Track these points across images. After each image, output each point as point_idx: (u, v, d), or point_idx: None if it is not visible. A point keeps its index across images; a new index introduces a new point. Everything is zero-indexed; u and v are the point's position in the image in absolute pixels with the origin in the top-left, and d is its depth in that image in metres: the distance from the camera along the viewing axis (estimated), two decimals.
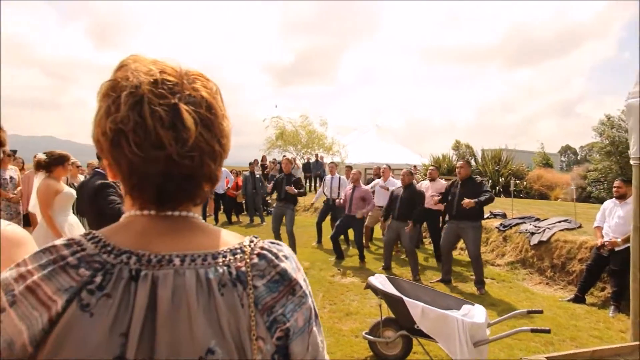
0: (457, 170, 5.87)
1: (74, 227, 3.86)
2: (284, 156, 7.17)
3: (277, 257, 0.63)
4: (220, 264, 0.59)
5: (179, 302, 0.53)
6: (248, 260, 0.61)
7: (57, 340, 0.50)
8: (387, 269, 6.41)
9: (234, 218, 11.60)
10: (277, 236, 7.08)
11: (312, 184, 16.64)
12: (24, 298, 0.52)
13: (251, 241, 0.65)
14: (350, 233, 7.80)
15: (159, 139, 0.54)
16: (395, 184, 7.38)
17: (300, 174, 17.38)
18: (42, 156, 3.76)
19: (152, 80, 0.56)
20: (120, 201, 3.30)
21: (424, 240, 8.73)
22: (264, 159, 16.06)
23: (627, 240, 4.47)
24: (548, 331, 2.82)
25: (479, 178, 5.85)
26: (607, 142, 17.45)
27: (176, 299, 0.53)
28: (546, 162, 20.87)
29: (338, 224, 7.05)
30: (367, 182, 9.16)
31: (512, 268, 6.64)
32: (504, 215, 8.32)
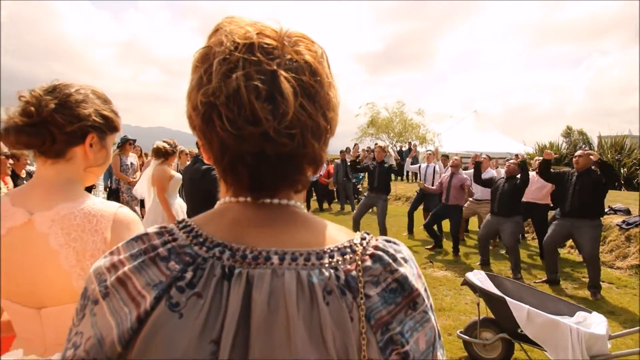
0: (574, 159, 5.14)
1: (182, 209, 4.25)
2: (376, 144, 6.99)
3: (394, 259, 0.52)
4: (327, 265, 0.50)
5: (276, 308, 0.46)
6: (359, 263, 0.51)
7: (144, 341, 0.45)
8: (484, 264, 5.97)
9: (325, 205, 11.82)
10: (357, 225, 6.75)
11: (404, 173, 16.27)
12: (116, 291, 0.48)
13: (363, 238, 0.54)
14: (444, 224, 7.47)
15: (254, 113, 0.47)
16: (493, 174, 6.86)
17: (392, 162, 17.08)
18: (165, 145, 4.18)
19: (248, 43, 0.49)
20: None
21: (526, 235, 8.02)
22: (355, 146, 16.06)
23: None
24: None
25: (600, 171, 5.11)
26: None
27: (273, 304, 0.46)
28: None
29: (434, 212, 6.79)
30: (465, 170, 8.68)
31: (637, 272, 5.78)
32: (627, 212, 7.27)
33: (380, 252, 0.53)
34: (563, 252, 7.00)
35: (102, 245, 0.96)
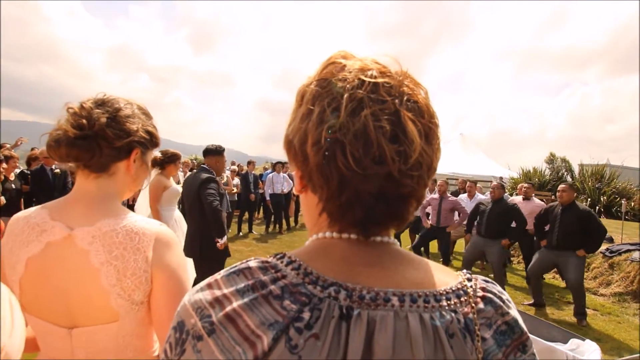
0: (558, 193, 5.31)
1: (178, 221, 4.17)
2: None
3: (503, 301, 0.54)
4: (446, 308, 0.49)
5: (401, 352, 0.45)
6: (474, 305, 0.51)
7: None
8: None
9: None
10: None
11: None
12: (224, 328, 0.46)
13: (469, 279, 0.55)
14: (431, 246, 7.52)
15: (381, 153, 0.46)
16: (482, 199, 6.96)
17: None
18: (157, 154, 4.13)
19: (372, 82, 0.48)
20: (216, 196, 3.55)
21: (512, 259, 8.13)
22: None
23: None
24: None
25: (583, 205, 5.26)
26: None
27: (398, 348, 0.45)
28: None
29: (422, 234, 6.81)
30: (453, 195, 8.78)
31: (620, 300, 5.91)
32: (610, 240, 7.46)
33: (490, 295, 0.53)
34: (548, 277, 7.11)
35: (143, 264, 0.94)
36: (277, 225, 9.89)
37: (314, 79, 0.53)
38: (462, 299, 0.51)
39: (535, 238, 6.87)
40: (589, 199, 15.39)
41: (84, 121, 0.93)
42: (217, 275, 0.51)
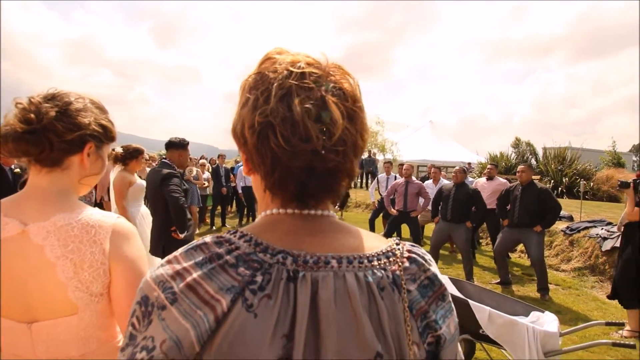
0: (518, 174, 5.57)
1: (145, 217, 4.10)
2: None
3: (425, 260, 0.63)
4: (377, 267, 0.58)
5: (342, 305, 0.52)
6: (400, 264, 0.60)
7: (224, 340, 0.49)
8: None
9: None
10: None
11: (364, 181, 16.56)
12: (185, 296, 0.51)
13: (397, 244, 0.64)
14: (403, 231, 7.68)
15: (306, 132, 0.53)
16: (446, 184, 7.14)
17: None
18: (118, 150, 4.03)
19: (299, 72, 0.56)
20: (180, 192, 3.51)
21: (481, 240, 8.42)
22: None
23: None
24: (633, 346, 2.61)
25: (541, 184, 5.53)
26: None
27: (339, 302, 0.52)
28: (617, 162, 19.33)
29: (391, 221, 6.91)
30: (422, 181, 8.98)
31: (580, 274, 6.24)
32: (570, 218, 7.84)
33: (414, 255, 0.63)
34: (514, 256, 7.42)
35: (100, 257, 0.95)
36: (251, 218, 9.86)
37: (253, 72, 0.60)
38: (390, 259, 0.60)
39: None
40: (552, 181, 16.04)
41: (32, 115, 0.92)
42: (176, 252, 0.57)
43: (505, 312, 3.15)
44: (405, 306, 0.56)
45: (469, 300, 3.06)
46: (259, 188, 0.63)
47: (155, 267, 0.56)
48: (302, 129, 0.53)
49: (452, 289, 3.36)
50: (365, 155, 17.03)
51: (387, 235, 6.90)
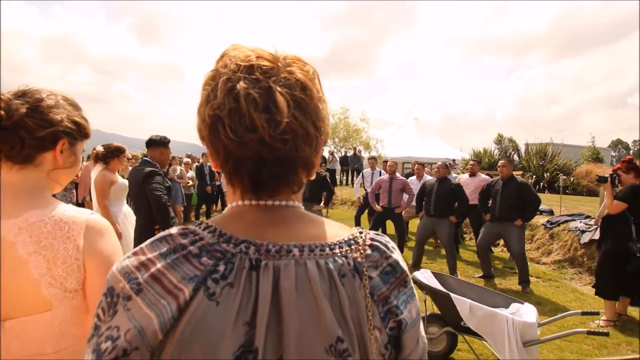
0: (499, 169, 5.69)
1: (128, 216, 4.06)
2: None
3: (387, 248, 0.64)
4: (338, 254, 0.59)
5: (304, 292, 0.54)
6: (362, 251, 0.61)
7: (186, 328, 0.51)
8: (415, 266, 5.98)
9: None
10: None
11: (350, 178, 16.62)
12: (150, 286, 0.53)
13: (361, 232, 0.65)
14: (388, 227, 7.74)
15: (252, 122, 0.54)
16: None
17: (337, 167, 17.38)
18: (99, 149, 3.97)
19: (248, 65, 0.57)
20: (162, 190, 3.48)
21: (465, 235, 8.55)
22: None
23: None
24: (607, 334, 2.70)
25: (521, 178, 5.64)
26: None
27: (300, 289, 0.54)
28: (596, 157, 19.78)
29: (376, 217, 6.96)
30: (406, 177, 9.06)
31: (560, 267, 6.39)
32: (550, 212, 8.01)
33: (377, 243, 0.64)
34: (497, 250, 7.56)
35: (74, 252, 0.94)
36: None
37: (211, 69, 0.61)
38: (352, 247, 0.61)
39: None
40: (534, 176, 16.33)
41: (2, 112, 0.91)
42: (142, 244, 0.58)
43: (487, 304, 3.22)
44: (367, 292, 0.58)
45: (451, 294, 3.12)
46: (225, 181, 0.65)
47: (121, 259, 0.57)
48: (248, 120, 0.54)
49: (434, 283, 3.41)
50: (350, 153, 17.09)
51: (371, 230, 6.91)
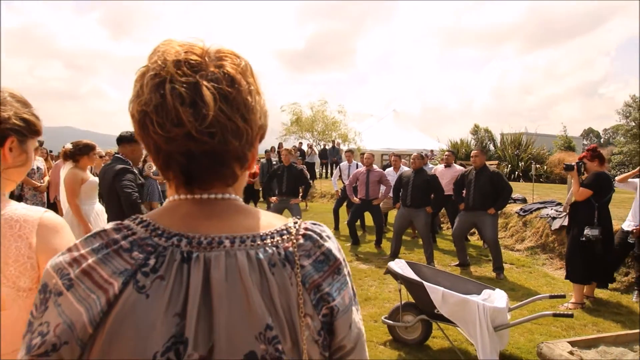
0: (472, 159, 5.80)
1: (100, 215, 3.98)
2: (281, 145, 6.95)
3: (321, 237, 0.65)
4: (269, 244, 0.60)
5: (233, 282, 0.55)
6: (295, 241, 0.62)
7: (115, 321, 0.52)
8: (393, 256, 6.05)
9: (251, 205, 11.71)
10: None
11: (329, 170, 16.66)
12: (80, 281, 0.54)
13: (295, 222, 0.66)
14: (367, 219, 7.81)
15: (178, 117, 0.55)
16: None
17: (316, 160, 17.38)
18: (68, 146, 3.87)
19: (176, 60, 0.57)
20: (134, 187, 3.42)
21: (442, 225, 8.70)
22: (280, 145, 16.08)
23: None
24: (571, 315, 2.81)
25: (494, 168, 5.77)
26: (634, 124, 16.90)
27: (230, 279, 0.55)
28: (568, 146, 20.37)
29: (354, 209, 7.01)
30: (384, 169, 9.14)
31: (532, 253, 6.58)
32: (524, 200, 8.22)
33: (310, 232, 0.65)
34: (473, 239, 7.72)
35: (26, 251, 0.93)
36: None
37: (143, 65, 0.61)
38: (284, 237, 0.63)
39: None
40: (510, 165, 16.71)
41: None
42: (77, 241, 0.59)
43: (460, 291, 3.30)
44: (298, 280, 0.59)
45: (424, 282, 3.18)
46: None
47: (56, 256, 0.58)
48: (174, 114, 0.55)
49: (409, 273, 3.47)
50: (329, 146, 17.11)
51: (351, 223, 7.00)
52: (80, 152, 3.85)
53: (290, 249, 0.61)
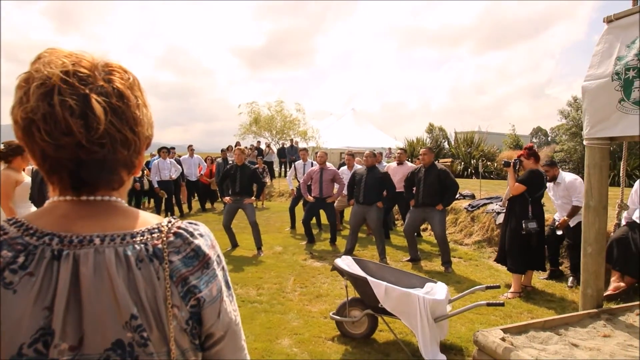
0: (420, 157, 5.99)
1: None
2: (237, 146, 6.89)
3: (192, 235, 0.70)
4: (138, 242, 0.64)
5: (101, 277, 0.59)
6: (165, 239, 0.67)
7: None
8: (348, 253, 6.13)
9: (207, 205, 11.52)
10: (230, 231, 6.69)
11: (287, 169, 16.65)
12: None
13: (169, 222, 0.71)
14: (322, 217, 7.89)
15: (68, 127, 0.58)
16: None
17: (274, 159, 17.30)
18: (0, 146, 3.66)
19: (64, 71, 0.59)
20: None
21: (396, 222, 8.93)
22: (237, 144, 15.89)
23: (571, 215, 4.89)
24: (502, 304, 2.98)
25: (441, 165, 5.99)
26: (572, 123, 18.04)
27: (98, 274, 0.59)
28: (517, 144, 21.43)
29: (308, 207, 7.05)
30: (340, 167, 9.24)
31: (479, 247, 6.89)
32: (472, 196, 8.58)
33: (181, 231, 0.70)
34: (425, 234, 7.98)
35: None
36: (169, 213, 9.50)
37: (24, 72, 0.63)
38: (154, 235, 0.67)
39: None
40: (463, 163, 17.38)
41: None
42: None
43: (404, 286, 3.42)
44: (166, 275, 0.64)
45: (367, 277, 3.27)
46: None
47: None
48: (64, 124, 0.58)
49: (355, 269, 3.55)
50: (287, 145, 17.09)
51: (306, 221, 7.03)
52: (13, 153, 3.64)
53: (159, 245, 0.66)
